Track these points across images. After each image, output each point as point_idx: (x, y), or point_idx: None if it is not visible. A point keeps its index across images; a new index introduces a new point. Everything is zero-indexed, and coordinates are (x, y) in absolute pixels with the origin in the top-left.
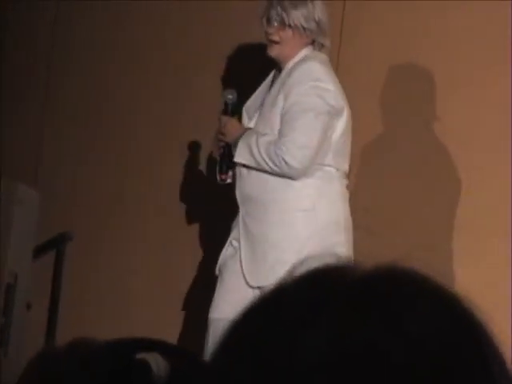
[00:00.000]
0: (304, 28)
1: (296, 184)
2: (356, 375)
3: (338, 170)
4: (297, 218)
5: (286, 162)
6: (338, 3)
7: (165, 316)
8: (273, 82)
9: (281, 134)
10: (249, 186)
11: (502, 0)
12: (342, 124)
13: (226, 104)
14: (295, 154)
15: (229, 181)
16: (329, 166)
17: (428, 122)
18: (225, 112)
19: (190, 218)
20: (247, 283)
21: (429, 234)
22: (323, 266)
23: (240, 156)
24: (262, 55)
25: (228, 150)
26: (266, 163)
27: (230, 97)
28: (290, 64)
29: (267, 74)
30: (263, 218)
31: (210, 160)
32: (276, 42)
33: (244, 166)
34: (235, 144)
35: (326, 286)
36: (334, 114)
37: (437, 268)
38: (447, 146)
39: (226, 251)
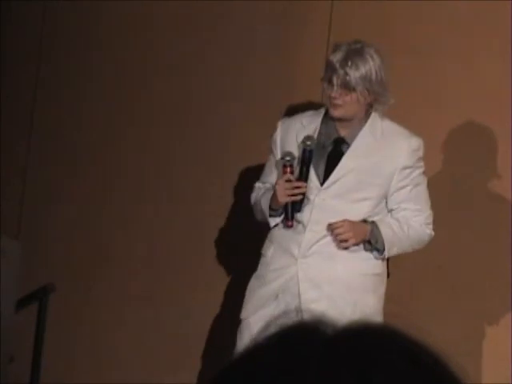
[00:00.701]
0: (368, 91)
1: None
2: None
3: None
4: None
5: (429, 238)
6: (326, 3)
7: (151, 368)
8: (336, 140)
9: (417, 209)
10: (326, 242)
11: (502, 0)
12: None
13: (304, 150)
14: (432, 231)
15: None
16: None
17: (421, 120)
18: (304, 162)
19: (176, 270)
20: None
21: None
22: (297, 324)
23: (390, 251)
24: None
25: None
26: (415, 243)
27: (309, 143)
28: (367, 129)
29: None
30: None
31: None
32: (339, 105)
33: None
34: (374, 239)
35: (298, 346)
36: None
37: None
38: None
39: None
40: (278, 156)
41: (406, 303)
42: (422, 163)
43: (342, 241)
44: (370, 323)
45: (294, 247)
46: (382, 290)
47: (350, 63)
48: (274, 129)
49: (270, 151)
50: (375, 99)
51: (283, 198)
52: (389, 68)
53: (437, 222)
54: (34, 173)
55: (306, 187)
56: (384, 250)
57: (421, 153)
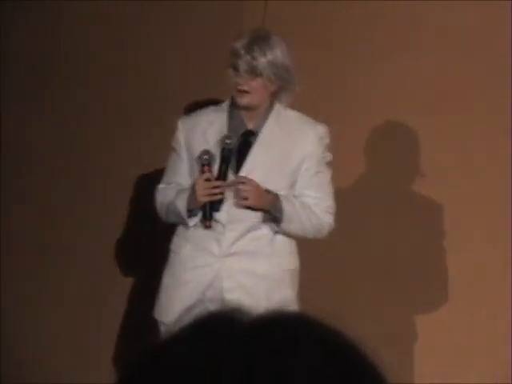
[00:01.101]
0: (275, 76)
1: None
2: None
3: None
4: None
5: (328, 228)
6: (260, 3)
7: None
8: (245, 133)
9: (317, 197)
10: (246, 240)
11: (502, 0)
12: None
13: (223, 149)
14: (332, 221)
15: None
16: None
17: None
18: (223, 161)
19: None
20: None
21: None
22: (212, 313)
23: (288, 225)
24: None
25: (219, 199)
26: (316, 229)
27: (229, 141)
28: (273, 117)
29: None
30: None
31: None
32: (246, 92)
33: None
34: (274, 208)
35: (212, 335)
36: None
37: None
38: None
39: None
40: (184, 155)
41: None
42: (327, 152)
43: (243, 197)
44: (285, 312)
45: (214, 246)
46: (297, 284)
47: (256, 48)
48: (176, 128)
49: (173, 151)
50: (281, 86)
51: (203, 198)
52: (294, 58)
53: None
54: None
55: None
56: (281, 222)
57: (327, 141)
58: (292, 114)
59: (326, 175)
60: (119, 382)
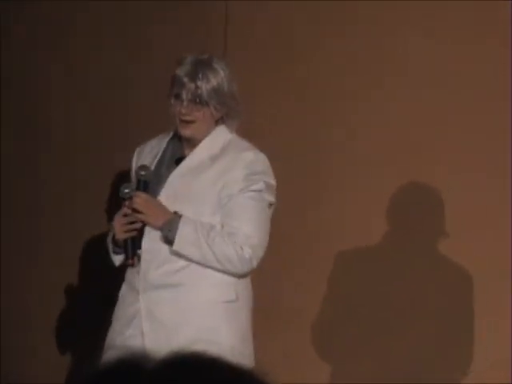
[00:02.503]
0: (221, 104)
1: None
2: None
3: None
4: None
5: (246, 263)
6: (220, 3)
7: None
8: (177, 160)
9: (236, 228)
10: (159, 273)
11: (502, 0)
12: None
13: (139, 181)
14: (259, 254)
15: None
16: None
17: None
18: (138, 189)
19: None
20: None
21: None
22: (117, 361)
23: (181, 246)
24: None
25: (141, 233)
26: (220, 261)
27: (143, 173)
28: (206, 143)
29: None
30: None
31: None
32: (190, 122)
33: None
34: (169, 229)
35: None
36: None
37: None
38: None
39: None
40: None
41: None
42: (259, 182)
43: (135, 210)
44: (188, 353)
45: (137, 281)
46: (241, 318)
47: (200, 75)
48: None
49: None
50: (227, 114)
51: (121, 235)
52: (237, 81)
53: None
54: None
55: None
56: (173, 243)
57: (259, 168)
58: (234, 140)
59: (252, 204)
60: None
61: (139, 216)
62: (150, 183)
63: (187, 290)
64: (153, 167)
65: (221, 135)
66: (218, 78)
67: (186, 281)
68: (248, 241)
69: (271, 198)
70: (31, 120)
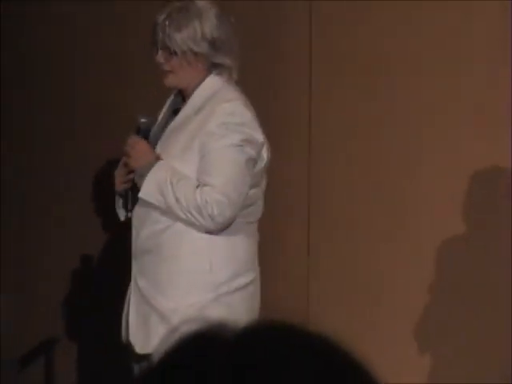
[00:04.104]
0: (195, 52)
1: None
2: None
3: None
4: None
5: (213, 218)
6: (304, 3)
7: None
8: (174, 111)
9: (207, 182)
10: (143, 237)
11: (502, 0)
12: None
13: (138, 129)
14: (225, 212)
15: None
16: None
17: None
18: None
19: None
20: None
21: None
22: (194, 334)
23: (147, 192)
24: None
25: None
26: (184, 211)
27: (144, 120)
28: (195, 95)
29: None
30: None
31: None
32: (169, 71)
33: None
34: (141, 174)
35: (199, 357)
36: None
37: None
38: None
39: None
40: None
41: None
42: (235, 134)
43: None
44: (269, 323)
45: (132, 246)
46: (219, 286)
47: (169, 23)
48: None
49: None
50: (213, 62)
51: (119, 186)
52: (230, 25)
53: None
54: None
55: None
56: (141, 186)
57: (236, 120)
58: (218, 90)
59: (226, 158)
60: None
61: (126, 157)
62: (151, 132)
63: (163, 259)
64: (159, 119)
65: (209, 86)
66: (192, 24)
67: (164, 247)
68: (215, 197)
69: (252, 153)
70: (31, 120)
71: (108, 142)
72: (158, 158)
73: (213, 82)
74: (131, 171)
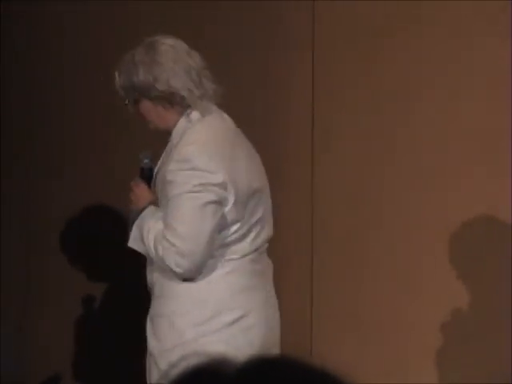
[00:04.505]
0: (141, 95)
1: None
2: None
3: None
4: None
5: (173, 269)
6: (308, 3)
7: None
8: None
9: (165, 234)
10: (148, 275)
11: (502, 0)
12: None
13: (142, 169)
14: (183, 262)
15: None
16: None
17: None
18: (140, 177)
19: None
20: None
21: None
22: (197, 368)
23: (133, 240)
24: None
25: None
26: (157, 260)
27: (146, 161)
28: (172, 138)
29: None
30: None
31: None
32: (146, 121)
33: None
34: (132, 220)
35: None
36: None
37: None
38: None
39: None
40: None
41: None
42: (187, 179)
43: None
44: (268, 357)
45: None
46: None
47: (117, 75)
48: None
49: None
50: (170, 101)
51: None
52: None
53: None
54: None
55: None
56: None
57: (187, 165)
58: (184, 132)
59: (183, 205)
60: None
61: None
62: (153, 170)
63: (154, 299)
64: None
65: (178, 128)
66: (123, 71)
67: (155, 286)
68: (171, 249)
69: (209, 196)
70: (31, 120)
71: (110, 141)
72: (150, 203)
73: (180, 124)
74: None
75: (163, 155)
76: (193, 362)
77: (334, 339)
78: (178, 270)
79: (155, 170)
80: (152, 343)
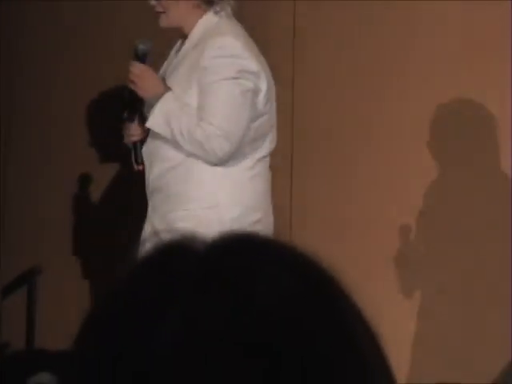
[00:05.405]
0: None
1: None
2: (211, 358)
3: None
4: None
5: (215, 153)
6: (288, 3)
7: None
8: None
9: (205, 118)
10: (154, 175)
11: (502, 0)
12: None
13: (136, 55)
14: (224, 146)
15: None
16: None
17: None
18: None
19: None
20: None
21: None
22: (164, 244)
23: (155, 123)
24: None
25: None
26: (187, 144)
27: (142, 47)
28: (192, 34)
29: None
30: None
31: None
32: (162, 12)
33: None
34: (150, 104)
35: (170, 271)
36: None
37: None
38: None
39: None
40: None
41: None
42: (226, 66)
43: (130, 80)
44: (240, 234)
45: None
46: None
47: None
48: None
49: None
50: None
51: (126, 139)
52: None
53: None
54: (13, 157)
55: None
56: (149, 116)
57: (225, 52)
58: (214, 26)
59: (223, 92)
60: (86, 318)
61: (133, 87)
62: (148, 57)
63: (171, 196)
64: (165, 66)
65: (204, 23)
66: None
67: (171, 184)
68: (213, 131)
69: (247, 84)
70: (31, 120)
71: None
72: (166, 89)
73: (208, 19)
74: (141, 124)
75: (171, 59)
76: (165, 238)
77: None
78: (220, 152)
79: (161, 73)
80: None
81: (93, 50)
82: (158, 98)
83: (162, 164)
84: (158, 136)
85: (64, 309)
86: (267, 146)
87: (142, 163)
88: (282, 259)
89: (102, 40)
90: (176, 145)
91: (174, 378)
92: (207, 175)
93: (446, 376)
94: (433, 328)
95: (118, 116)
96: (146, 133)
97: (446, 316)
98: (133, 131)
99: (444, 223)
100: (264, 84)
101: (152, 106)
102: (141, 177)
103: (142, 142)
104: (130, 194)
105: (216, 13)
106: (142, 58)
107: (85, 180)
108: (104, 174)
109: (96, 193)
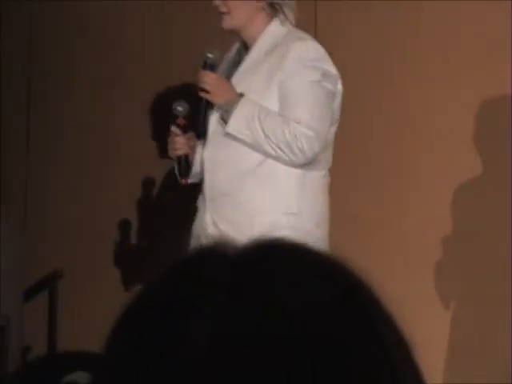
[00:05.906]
0: None
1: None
2: (243, 362)
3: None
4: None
5: (303, 153)
6: (310, 3)
7: None
8: (239, 60)
9: (293, 118)
10: (221, 180)
11: (502, 0)
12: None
13: (205, 63)
14: (314, 146)
15: (190, 181)
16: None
17: (414, 123)
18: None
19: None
20: None
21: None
22: (194, 250)
23: (235, 128)
24: None
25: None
26: (273, 146)
27: (211, 56)
28: (261, 41)
29: None
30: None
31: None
32: (225, 13)
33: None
34: (226, 110)
35: (202, 275)
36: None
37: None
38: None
39: None
40: None
41: None
42: (313, 70)
43: (202, 90)
44: (270, 239)
45: (205, 190)
46: (305, 229)
47: None
48: None
49: None
50: (271, 4)
51: (171, 152)
52: None
53: None
54: (35, 160)
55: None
56: (228, 122)
57: (311, 56)
58: (285, 33)
59: (309, 93)
60: (116, 321)
61: (206, 95)
62: (216, 66)
63: (243, 202)
64: (222, 66)
65: (274, 29)
66: None
67: (244, 190)
68: (303, 131)
69: (329, 87)
70: (31, 120)
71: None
72: (241, 94)
73: (276, 28)
74: (187, 137)
75: (231, 64)
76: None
77: None
78: (309, 152)
79: (217, 69)
80: None
81: (110, 50)
82: (233, 102)
83: (232, 168)
84: (224, 140)
85: (85, 313)
86: (329, 159)
87: (187, 176)
88: (313, 266)
89: (123, 41)
90: (256, 148)
91: (202, 378)
92: (287, 184)
93: (446, 376)
94: (432, 327)
95: (160, 127)
96: (193, 148)
97: (446, 315)
98: (178, 145)
99: (459, 224)
100: (340, 90)
101: (228, 111)
102: (169, 180)
103: (187, 155)
104: (156, 197)
105: (282, 23)
106: (211, 66)
107: (107, 184)
108: (128, 178)
109: (118, 197)
